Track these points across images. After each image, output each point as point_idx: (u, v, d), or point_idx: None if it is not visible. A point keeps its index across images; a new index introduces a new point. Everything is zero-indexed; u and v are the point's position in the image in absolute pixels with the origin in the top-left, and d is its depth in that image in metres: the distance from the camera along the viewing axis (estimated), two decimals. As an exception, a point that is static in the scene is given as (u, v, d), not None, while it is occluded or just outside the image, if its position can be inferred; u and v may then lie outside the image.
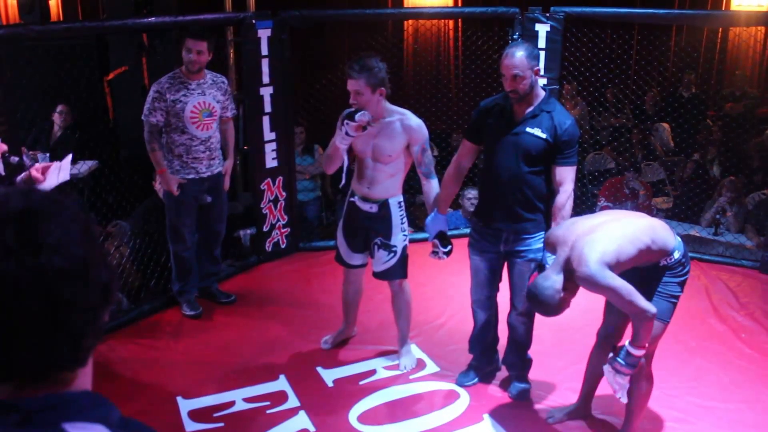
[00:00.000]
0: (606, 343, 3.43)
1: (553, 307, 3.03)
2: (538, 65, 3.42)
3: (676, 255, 3.10)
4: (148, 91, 4.56)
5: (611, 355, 3.16)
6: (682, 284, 3.16)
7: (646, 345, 3.05)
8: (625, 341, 3.10)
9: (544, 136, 3.39)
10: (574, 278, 2.98)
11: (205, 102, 4.50)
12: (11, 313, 0.86)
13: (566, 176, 3.43)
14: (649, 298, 3.07)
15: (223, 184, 4.80)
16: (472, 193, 6.04)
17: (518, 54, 3.33)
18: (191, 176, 4.55)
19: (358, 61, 3.63)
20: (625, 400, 3.19)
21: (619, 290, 2.89)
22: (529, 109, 3.44)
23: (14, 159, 3.10)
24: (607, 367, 3.15)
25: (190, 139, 4.49)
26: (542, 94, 3.49)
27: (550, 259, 3.23)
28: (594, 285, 2.93)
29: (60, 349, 0.91)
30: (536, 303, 3.08)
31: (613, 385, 3.15)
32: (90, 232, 0.95)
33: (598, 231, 3.02)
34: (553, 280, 3.01)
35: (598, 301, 3.38)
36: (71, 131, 6.33)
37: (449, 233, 3.85)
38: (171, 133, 4.47)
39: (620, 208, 6.42)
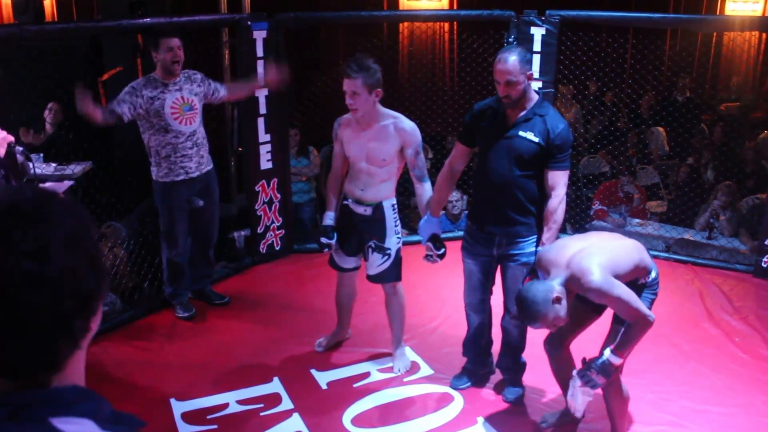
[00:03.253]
0: (559, 344, 3.37)
1: (543, 311, 2.87)
2: (531, 69, 3.41)
3: (653, 274, 3.18)
4: None
5: (580, 368, 3.09)
6: (653, 301, 3.18)
7: (626, 355, 3.04)
8: (605, 350, 3.04)
9: (536, 140, 3.39)
10: (581, 291, 2.96)
11: (183, 97, 4.46)
12: None
13: (558, 180, 3.42)
14: None
15: (215, 185, 4.77)
16: (455, 196, 6.07)
17: (511, 59, 3.32)
18: (181, 178, 4.51)
19: (356, 61, 3.62)
20: (579, 415, 3.17)
21: (626, 296, 2.92)
22: (522, 113, 3.43)
23: (19, 149, 3.05)
24: (574, 382, 3.07)
25: (175, 137, 4.44)
26: (535, 97, 3.48)
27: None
28: (603, 292, 2.91)
29: (29, 354, 0.89)
30: (525, 306, 2.92)
31: (575, 401, 3.07)
32: (75, 239, 0.92)
33: (592, 249, 3.04)
34: (546, 285, 2.94)
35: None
36: (64, 130, 6.30)
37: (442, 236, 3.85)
38: (155, 135, 4.42)
39: (615, 212, 6.46)
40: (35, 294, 0.87)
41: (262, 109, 5.43)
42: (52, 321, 0.89)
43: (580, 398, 3.08)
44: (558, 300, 2.92)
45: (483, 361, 3.98)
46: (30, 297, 0.87)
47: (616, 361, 3.02)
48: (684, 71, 8.95)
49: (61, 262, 0.89)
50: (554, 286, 2.95)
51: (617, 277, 2.97)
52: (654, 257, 3.37)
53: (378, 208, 3.86)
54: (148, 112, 4.37)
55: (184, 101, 4.46)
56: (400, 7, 9.43)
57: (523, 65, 3.33)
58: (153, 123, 4.40)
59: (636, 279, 3.12)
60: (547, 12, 5.55)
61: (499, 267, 3.67)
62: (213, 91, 4.64)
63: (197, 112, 4.54)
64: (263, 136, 5.49)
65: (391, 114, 3.78)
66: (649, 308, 3.12)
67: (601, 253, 2.99)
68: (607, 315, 3.25)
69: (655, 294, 3.20)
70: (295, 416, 3.71)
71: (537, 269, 3.24)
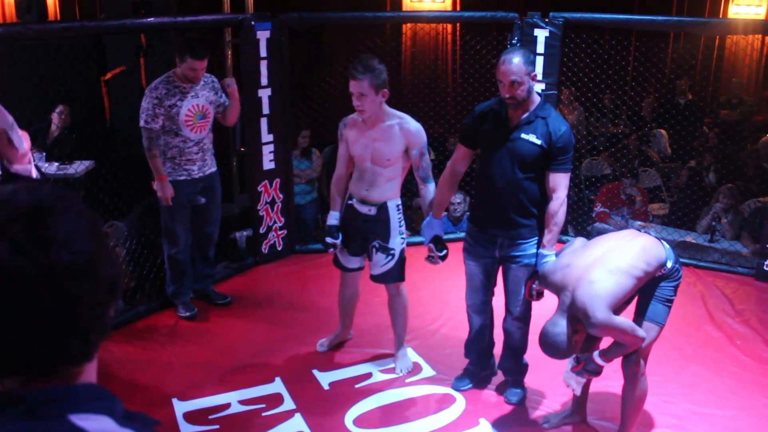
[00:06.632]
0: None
1: (567, 350, 3.11)
2: (534, 70, 3.42)
3: (669, 264, 3.17)
4: (144, 95, 4.52)
5: (572, 363, 3.30)
6: (676, 287, 3.24)
7: (611, 360, 3.22)
8: (594, 353, 3.22)
9: (538, 142, 3.39)
10: (582, 321, 3.05)
11: (199, 105, 4.49)
12: (22, 308, 0.87)
13: (560, 183, 3.42)
14: (647, 305, 3.20)
15: (218, 185, 4.78)
16: (457, 198, 6.08)
17: (515, 60, 3.32)
18: (183, 178, 4.53)
19: (362, 62, 3.63)
20: (578, 393, 3.40)
21: (625, 329, 3.04)
22: (524, 115, 3.43)
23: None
24: (567, 374, 3.31)
25: (184, 141, 4.47)
26: (537, 99, 3.48)
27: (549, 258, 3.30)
28: (604, 332, 3.07)
29: (69, 344, 0.91)
30: (550, 349, 3.12)
31: (569, 383, 3.31)
32: (96, 228, 0.95)
33: (595, 271, 3.05)
34: (562, 326, 3.06)
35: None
36: (69, 132, 6.31)
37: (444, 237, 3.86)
38: (164, 135, 4.45)
39: (616, 214, 6.45)
40: (77, 284, 0.89)
41: (266, 110, 5.43)
42: (91, 309, 0.92)
43: (573, 382, 3.31)
44: (577, 338, 3.10)
45: (485, 363, 3.98)
46: (73, 287, 0.89)
47: (602, 363, 3.20)
48: (686, 74, 8.96)
49: (91, 250, 0.92)
50: (567, 327, 3.05)
51: (623, 297, 3.07)
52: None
53: (382, 208, 3.86)
54: (164, 116, 4.41)
55: (199, 109, 4.48)
56: (404, 9, 9.43)
57: (527, 66, 3.33)
58: (165, 125, 4.42)
59: (652, 276, 3.16)
60: (551, 14, 5.55)
61: (500, 268, 3.67)
62: (219, 105, 4.66)
63: (209, 121, 4.57)
64: (266, 137, 5.49)
65: (397, 114, 3.78)
66: (674, 295, 3.24)
67: (603, 284, 3.00)
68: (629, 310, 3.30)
69: (676, 280, 3.22)
70: (297, 416, 3.71)
71: (542, 285, 3.37)
